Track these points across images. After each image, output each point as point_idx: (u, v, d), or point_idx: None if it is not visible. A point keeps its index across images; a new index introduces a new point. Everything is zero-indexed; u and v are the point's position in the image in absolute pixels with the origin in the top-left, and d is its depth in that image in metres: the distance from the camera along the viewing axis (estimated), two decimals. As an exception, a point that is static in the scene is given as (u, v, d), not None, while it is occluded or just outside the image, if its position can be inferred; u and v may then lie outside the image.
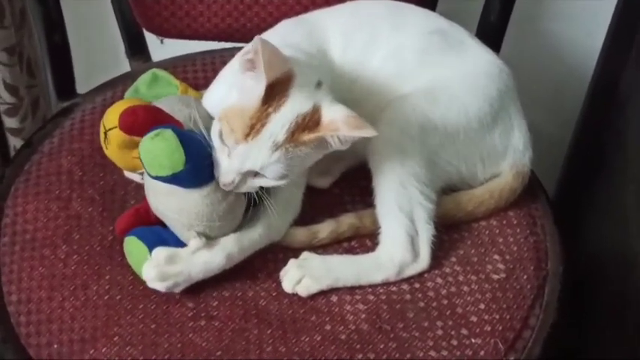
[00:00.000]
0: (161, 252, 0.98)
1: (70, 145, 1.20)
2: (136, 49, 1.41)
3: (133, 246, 1.01)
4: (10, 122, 1.57)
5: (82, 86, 1.36)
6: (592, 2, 1.50)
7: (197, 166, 0.95)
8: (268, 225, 1.04)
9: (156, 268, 0.97)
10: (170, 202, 0.98)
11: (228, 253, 1.00)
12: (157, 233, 1.01)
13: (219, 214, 0.98)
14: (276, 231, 1.05)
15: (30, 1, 1.30)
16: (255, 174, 0.95)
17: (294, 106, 0.93)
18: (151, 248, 0.99)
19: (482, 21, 1.33)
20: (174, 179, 0.95)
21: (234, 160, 0.94)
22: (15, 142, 1.61)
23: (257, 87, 0.92)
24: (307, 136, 0.93)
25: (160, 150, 0.93)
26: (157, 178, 0.95)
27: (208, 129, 0.98)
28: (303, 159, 0.96)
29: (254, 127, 0.92)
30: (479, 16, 1.34)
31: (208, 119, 1.02)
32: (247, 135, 0.92)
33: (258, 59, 0.91)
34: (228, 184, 0.95)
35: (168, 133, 0.94)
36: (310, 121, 0.94)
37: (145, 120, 0.99)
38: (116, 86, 1.30)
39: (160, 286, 0.98)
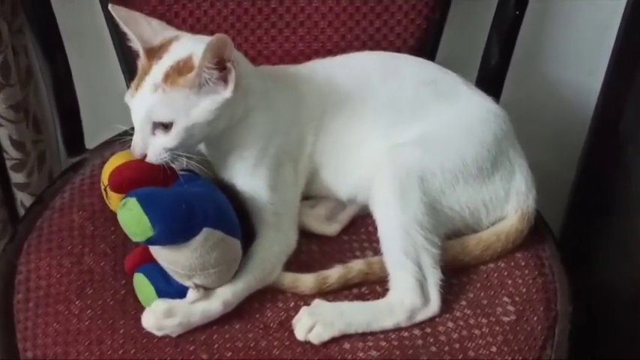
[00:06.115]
0: (160, 305, 1.00)
1: (80, 201, 1.21)
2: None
3: (140, 284, 1.03)
4: (17, 177, 1.57)
5: (90, 139, 1.37)
6: (592, 41, 1.51)
7: (171, 228, 0.95)
8: (262, 268, 1.06)
9: (154, 319, 1.00)
10: (165, 255, 1.00)
11: (224, 300, 1.02)
12: (163, 271, 1.02)
13: (211, 262, 0.99)
14: (270, 272, 1.07)
15: (39, 60, 1.33)
16: (154, 130, 1.01)
17: (172, 56, 1.01)
18: (156, 286, 1.01)
19: (483, 65, 1.35)
20: (151, 242, 0.97)
21: (135, 119, 1.02)
22: (22, 197, 1.61)
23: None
24: (180, 77, 0.99)
25: (126, 220, 0.95)
26: (137, 242, 0.97)
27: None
28: (187, 102, 0.99)
29: (142, 78, 1.01)
30: (479, 61, 1.35)
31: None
32: (137, 87, 1.01)
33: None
34: (140, 153, 1.02)
35: (132, 203, 0.94)
36: (185, 66, 1.00)
37: (131, 178, 1.03)
38: (125, 140, 1.30)
39: (157, 333, 1.01)
